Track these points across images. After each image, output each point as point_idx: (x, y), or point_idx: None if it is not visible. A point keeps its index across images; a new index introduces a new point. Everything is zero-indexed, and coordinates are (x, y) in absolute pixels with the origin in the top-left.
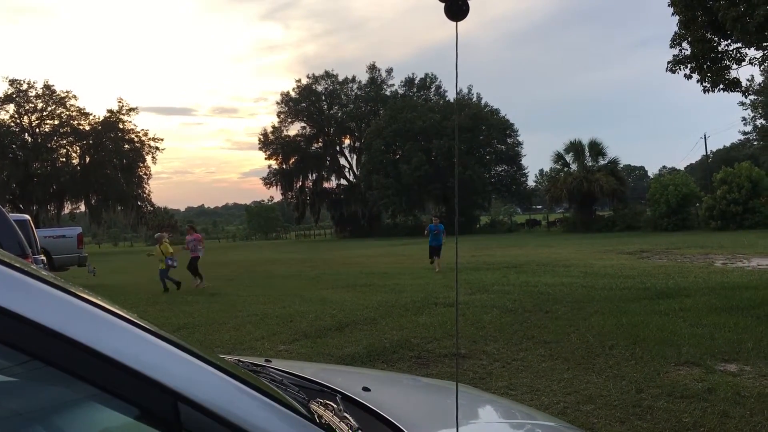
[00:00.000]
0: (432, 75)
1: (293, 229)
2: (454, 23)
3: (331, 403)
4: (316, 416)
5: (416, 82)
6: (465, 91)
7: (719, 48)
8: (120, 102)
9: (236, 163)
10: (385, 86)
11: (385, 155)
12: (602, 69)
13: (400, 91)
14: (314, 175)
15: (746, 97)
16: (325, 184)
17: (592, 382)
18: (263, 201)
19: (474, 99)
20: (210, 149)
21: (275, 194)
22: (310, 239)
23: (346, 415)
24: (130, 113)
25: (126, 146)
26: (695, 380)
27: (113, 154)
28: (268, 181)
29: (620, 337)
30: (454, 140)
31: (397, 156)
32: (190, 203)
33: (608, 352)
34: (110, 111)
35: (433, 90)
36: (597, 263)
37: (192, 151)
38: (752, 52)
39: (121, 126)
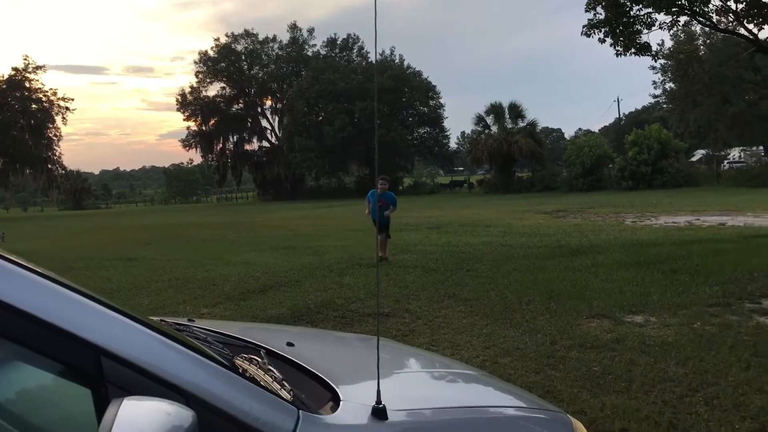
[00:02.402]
0: (354, 35)
1: (214, 193)
2: None
3: (256, 358)
4: (240, 370)
5: (338, 42)
6: (387, 52)
7: (631, 13)
8: (26, 59)
9: (153, 125)
10: (306, 46)
11: (307, 117)
12: (523, 33)
13: (323, 52)
14: (235, 137)
15: (656, 61)
16: (247, 146)
17: (509, 336)
18: (183, 164)
19: (396, 61)
20: (125, 110)
21: (195, 157)
22: (232, 202)
23: (270, 367)
24: (37, 71)
25: (33, 106)
26: (605, 331)
27: (20, 115)
28: (187, 143)
29: (536, 293)
30: (377, 102)
31: (320, 118)
32: (104, 166)
33: (525, 308)
34: (15, 69)
35: (355, 51)
36: (516, 223)
37: (105, 112)
38: (662, 17)
39: (27, 85)
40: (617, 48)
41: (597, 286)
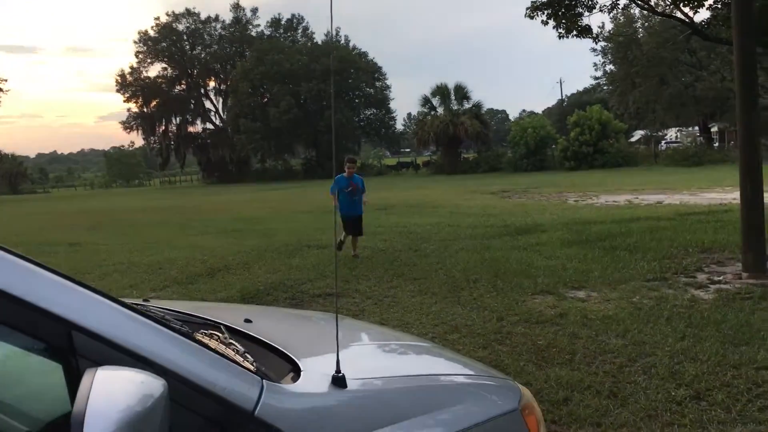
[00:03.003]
0: (299, 16)
1: (157, 176)
2: None
3: (216, 333)
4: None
5: (283, 23)
6: (333, 33)
7: None
8: None
9: (92, 107)
10: (250, 26)
11: (252, 98)
12: (470, 14)
13: (267, 32)
14: (178, 119)
15: (596, 43)
16: (190, 129)
17: (457, 313)
18: (123, 146)
19: (342, 42)
20: (62, 91)
21: (136, 139)
22: (176, 186)
23: (232, 341)
24: None
25: None
26: (549, 307)
27: None
28: (127, 126)
29: (483, 272)
30: (324, 83)
31: (265, 99)
32: (41, 149)
33: (472, 286)
34: None
35: (300, 32)
36: (463, 203)
37: (41, 94)
38: (602, 0)
39: None
40: (559, 30)
41: (541, 263)
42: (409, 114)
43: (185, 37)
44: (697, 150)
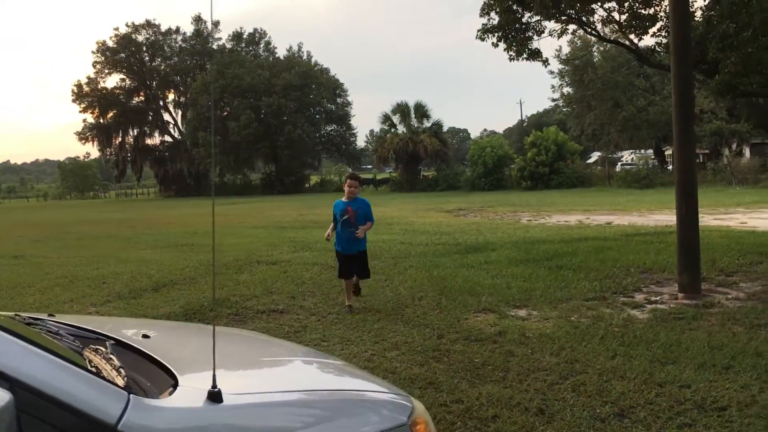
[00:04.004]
0: (261, 30)
1: (113, 188)
2: None
3: (101, 348)
4: (87, 360)
5: (245, 36)
6: (295, 48)
7: (523, 19)
8: None
9: (47, 116)
10: (211, 39)
11: (212, 112)
12: (434, 33)
13: (228, 46)
14: (136, 131)
15: (546, 67)
16: (148, 141)
17: (399, 331)
18: (79, 157)
19: (304, 57)
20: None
21: (92, 150)
22: (133, 199)
23: (111, 356)
24: None
25: None
26: (489, 325)
27: None
28: (83, 136)
29: (429, 289)
30: (284, 98)
31: (225, 113)
32: None
33: (417, 303)
34: None
35: (262, 46)
36: (418, 221)
37: None
38: (551, 25)
39: None
40: (510, 53)
41: (487, 282)
42: (372, 131)
43: (145, 49)
44: (649, 172)
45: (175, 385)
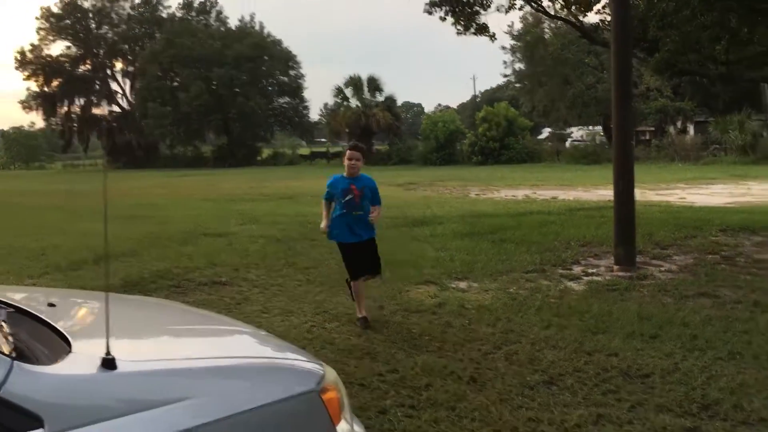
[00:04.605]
0: None
1: (60, 159)
2: None
3: None
4: None
5: (195, 5)
6: (247, 18)
7: None
8: None
9: None
10: (161, 8)
11: (161, 82)
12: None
13: (178, 14)
14: (82, 100)
15: (493, 41)
16: (95, 111)
17: (340, 302)
18: (23, 126)
19: (257, 28)
20: None
21: (37, 119)
22: (79, 170)
23: (2, 323)
24: None
25: None
26: (430, 297)
27: None
28: (27, 105)
29: None
30: (236, 69)
31: (175, 83)
32: None
33: None
34: None
35: (213, 15)
36: None
37: None
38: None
39: None
40: (458, 27)
41: (431, 254)
42: (326, 104)
43: (91, 15)
44: (596, 148)
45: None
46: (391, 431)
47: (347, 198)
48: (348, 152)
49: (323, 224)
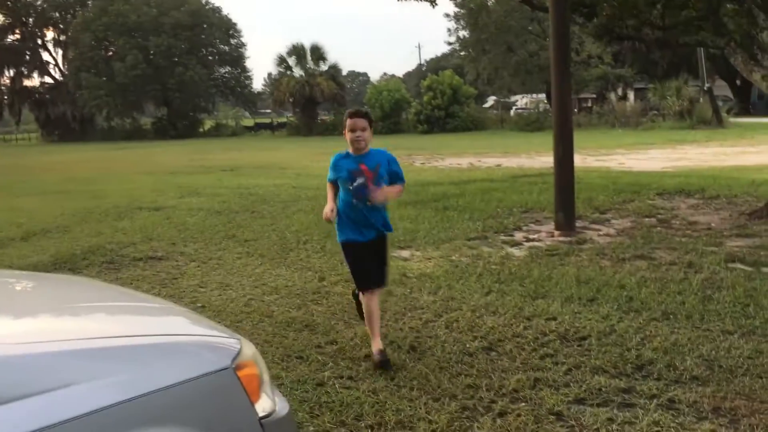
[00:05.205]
0: None
1: None
2: None
3: None
4: None
5: None
6: None
7: None
8: None
9: None
10: None
11: (95, 51)
12: None
13: None
14: (12, 71)
15: (434, 7)
16: (27, 82)
17: (281, 275)
18: None
19: None
20: None
21: None
22: (12, 144)
23: None
24: None
25: None
26: None
27: None
28: None
29: (316, 233)
30: (174, 38)
31: (110, 53)
32: None
33: (301, 247)
34: None
35: None
36: (312, 165)
37: None
38: None
39: None
40: None
41: None
42: (269, 74)
43: None
44: (540, 116)
45: None
46: (328, 403)
47: (357, 182)
48: (348, 121)
49: (327, 208)
